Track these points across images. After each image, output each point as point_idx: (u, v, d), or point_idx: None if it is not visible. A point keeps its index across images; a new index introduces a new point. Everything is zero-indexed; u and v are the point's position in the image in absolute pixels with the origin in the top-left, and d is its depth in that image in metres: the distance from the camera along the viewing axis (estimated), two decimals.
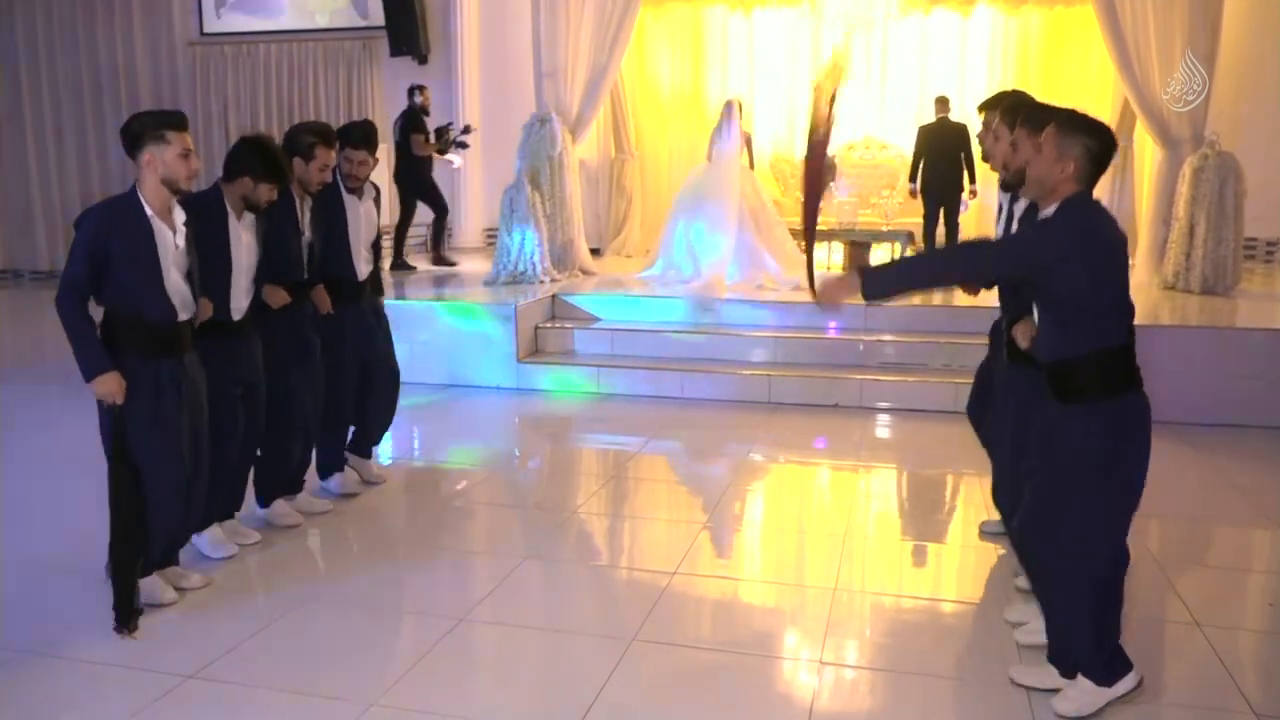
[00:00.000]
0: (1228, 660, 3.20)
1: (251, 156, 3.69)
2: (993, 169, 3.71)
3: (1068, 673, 2.92)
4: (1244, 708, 2.92)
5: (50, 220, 13.34)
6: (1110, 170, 9.99)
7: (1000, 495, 3.71)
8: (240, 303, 3.81)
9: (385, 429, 4.95)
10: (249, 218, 3.81)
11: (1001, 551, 4.06)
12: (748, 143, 8.78)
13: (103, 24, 12.84)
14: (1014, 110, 3.37)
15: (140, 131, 3.29)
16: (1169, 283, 7.71)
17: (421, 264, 9.60)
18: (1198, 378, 6.05)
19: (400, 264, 9.30)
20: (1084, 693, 2.86)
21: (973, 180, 8.84)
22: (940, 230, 8.98)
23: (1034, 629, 3.25)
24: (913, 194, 9.10)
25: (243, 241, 3.78)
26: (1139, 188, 9.30)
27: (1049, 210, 2.76)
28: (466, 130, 9.81)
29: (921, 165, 8.95)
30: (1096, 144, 2.71)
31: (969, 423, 4.10)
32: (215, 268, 3.65)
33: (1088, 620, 2.82)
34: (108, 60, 12.90)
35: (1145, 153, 9.02)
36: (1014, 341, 3.23)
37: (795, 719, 2.88)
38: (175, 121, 3.36)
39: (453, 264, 9.55)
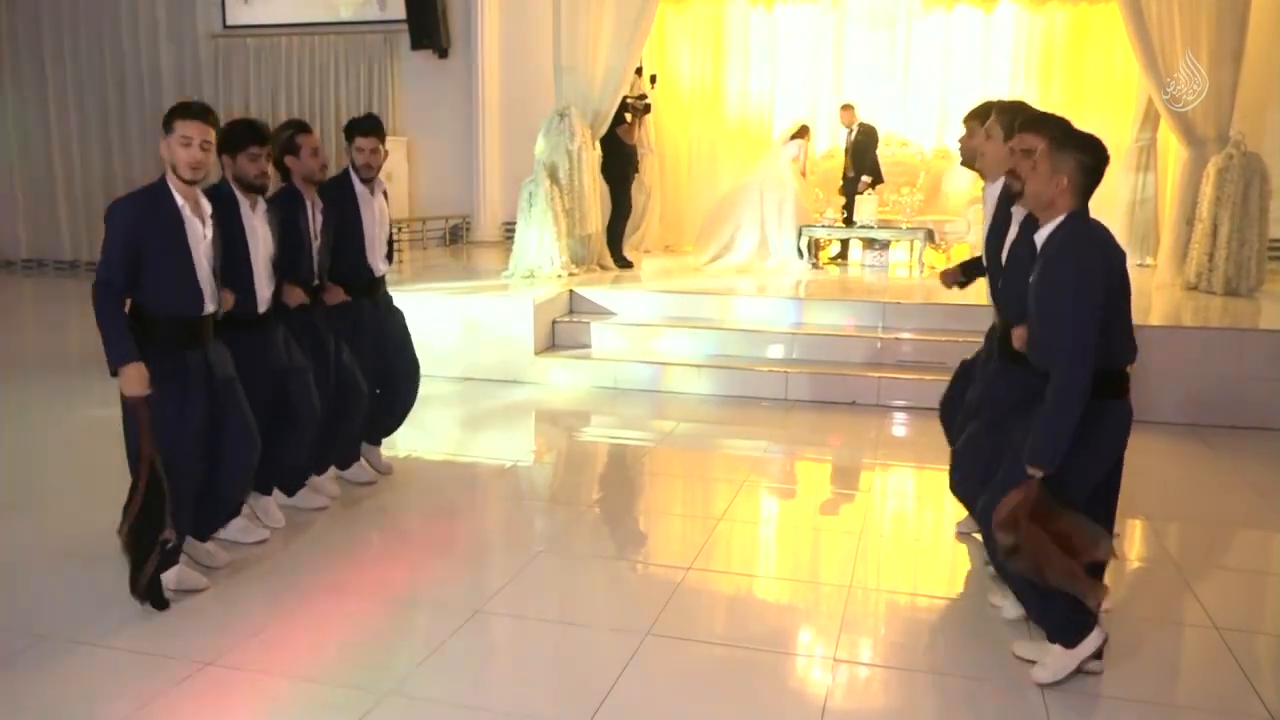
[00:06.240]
0: (1245, 664, 3.17)
1: (220, 137, 3.63)
2: (983, 175, 3.77)
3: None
4: (1261, 712, 2.90)
5: (73, 211, 13.48)
6: (1133, 170, 9.83)
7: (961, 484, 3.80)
8: (264, 292, 3.85)
9: (402, 420, 4.98)
10: (262, 208, 3.85)
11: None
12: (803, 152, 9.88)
13: (126, 16, 12.95)
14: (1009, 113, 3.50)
15: (163, 123, 3.36)
16: (1191, 283, 7.63)
17: (442, 259, 9.56)
18: (1218, 379, 6.00)
19: (621, 261, 8.99)
20: (1056, 658, 3.01)
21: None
22: None
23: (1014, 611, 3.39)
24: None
25: (258, 232, 3.82)
26: (1162, 187, 9.21)
27: (1049, 228, 2.85)
28: (653, 79, 9.89)
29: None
30: (1089, 159, 2.82)
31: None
32: (236, 257, 3.70)
33: (1042, 590, 2.91)
34: (131, 52, 13.01)
35: (1169, 152, 8.92)
36: (1009, 343, 3.27)
37: (809, 716, 2.88)
38: (181, 110, 3.38)
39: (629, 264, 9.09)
